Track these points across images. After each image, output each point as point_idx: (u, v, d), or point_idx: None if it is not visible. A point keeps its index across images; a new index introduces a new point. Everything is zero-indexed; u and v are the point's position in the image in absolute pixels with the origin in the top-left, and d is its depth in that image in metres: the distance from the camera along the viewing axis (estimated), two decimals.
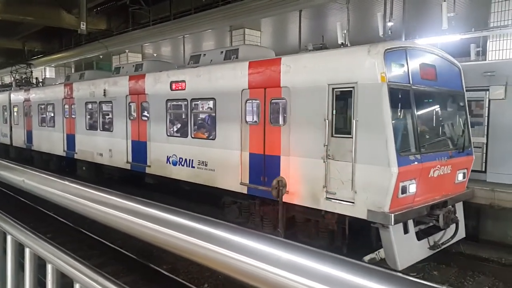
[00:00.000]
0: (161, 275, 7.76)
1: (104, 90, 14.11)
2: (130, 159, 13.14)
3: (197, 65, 10.98)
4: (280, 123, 8.68)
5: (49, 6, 25.14)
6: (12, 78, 26.90)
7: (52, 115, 17.74)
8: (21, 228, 3.30)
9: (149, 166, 12.34)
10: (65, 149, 16.74)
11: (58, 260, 2.83)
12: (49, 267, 2.90)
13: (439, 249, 7.92)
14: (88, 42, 30.68)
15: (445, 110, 8.58)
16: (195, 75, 10.61)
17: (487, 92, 9.84)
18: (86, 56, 31.80)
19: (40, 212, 12.12)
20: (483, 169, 10.12)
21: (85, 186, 3.47)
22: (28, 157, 20.37)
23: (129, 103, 13.09)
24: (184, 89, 10.93)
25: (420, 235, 7.70)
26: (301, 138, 8.10)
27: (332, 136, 7.61)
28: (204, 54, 11.42)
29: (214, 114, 10.12)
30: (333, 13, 17.62)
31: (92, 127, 15.10)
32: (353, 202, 7.30)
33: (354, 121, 7.18)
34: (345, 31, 13.10)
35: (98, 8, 27.21)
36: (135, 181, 13.81)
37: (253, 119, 9.29)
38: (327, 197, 7.70)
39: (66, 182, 3.69)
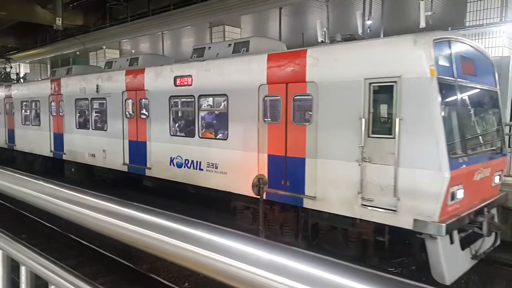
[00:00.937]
0: (141, 275, 7.51)
1: (97, 86, 13.01)
2: (127, 161, 12.13)
3: (203, 58, 10.05)
4: (305, 122, 7.87)
5: (24, 1, 23.84)
6: None
7: (37, 113, 16.49)
8: None
9: (150, 168, 11.37)
10: (52, 149, 15.55)
11: (31, 262, 2.83)
12: (22, 269, 2.91)
13: (481, 258, 7.28)
14: (64, 38, 29.68)
15: (482, 108, 7.93)
16: (204, 69, 9.69)
17: None
18: (62, 52, 30.81)
19: (14, 212, 11.35)
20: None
21: (59, 186, 3.43)
22: (10, 158, 19.01)
23: (125, 99, 12.06)
24: (191, 85, 9.99)
25: (462, 245, 7.04)
26: (331, 138, 7.31)
27: (368, 136, 6.84)
28: (209, 47, 10.50)
29: (226, 112, 9.23)
30: (313, 11, 17.80)
31: (83, 125, 13.98)
32: (395, 210, 6.56)
33: (397, 119, 6.43)
34: (325, 29, 12.68)
35: (75, 3, 26.16)
36: (132, 184, 12.79)
37: (272, 118, 8.45)
38: (362, 204, 6.95)
39: (41, 182, 3.67)
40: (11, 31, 32.17)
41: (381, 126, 6.81)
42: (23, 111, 17.57)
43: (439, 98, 6.10)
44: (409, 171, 6.36)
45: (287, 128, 8.03)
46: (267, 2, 16.95)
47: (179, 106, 10.89)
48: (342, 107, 7.13)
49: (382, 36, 13.89)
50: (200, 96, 9.83)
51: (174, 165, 10.61)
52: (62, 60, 33.42)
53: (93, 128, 13.48)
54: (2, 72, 23.73)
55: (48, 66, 37.10)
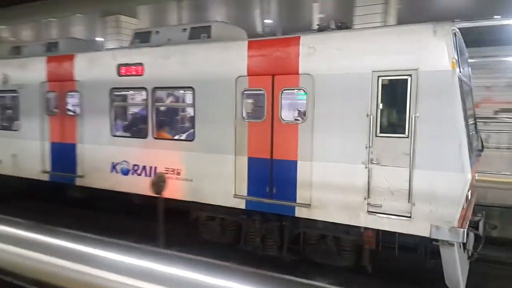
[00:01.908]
0: None
1: (4, 76, 10.46)
2: (49, 168, 9.91)
3: (159, 44, 8.51)
4: (298, 119, 6.94)
5: None
6: None
7: None
8: None
9: (82, 177, 9.38)
10: None
11: None
12: None
13: (475, 257, 7.11)
14: None
15: (470, 105, 7.82)
16: (161, 56, 8.17)
17: None
18: None
19: None
20: None
21: None
22: None
23: (46, 92, 9.83)
24: (142, 75, 8.37)
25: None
26: (332, 138, 6.49)
27: (376, 136, 6.17)
28: (157, 32, 8.94)
29: (192, 108, 7.87)
30: (214, 6, 17.87)
31: None
32: (409, 217, 5.98)
33: (413, 117, 5.85)
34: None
35: None
36: (53, 195, 10.56)
37: (253, 115, 7.37)
38: (369, 211, 6.26)
39: None
40: None
41: (392, 124, 6.17)
42: None
43: (460, 94, 5.66)
44: (426, 173, 5.82)
45: (274, 127, 7.01)
46: None
47: (125, 101, 9.15)
48: (345, 103, 6.35)
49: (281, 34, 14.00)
50: (155, 88, 8.28)
51: (118, 172, 8.84)
52: None
53: None
54: None
55: None
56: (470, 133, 6.49)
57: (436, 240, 5.95)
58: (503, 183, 10.44)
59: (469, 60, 7.64)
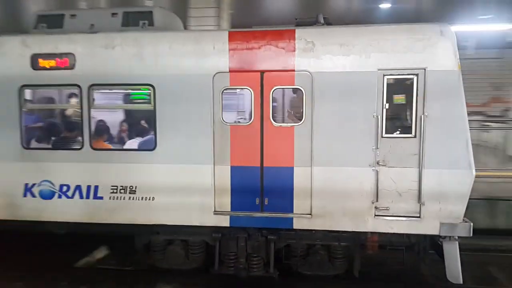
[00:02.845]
0: None
1: None
2: None
3: (94, 30, 6.69)
4: (294, 121, 6.24)
5: None
6: None
7: None
8: None
9: None
10: None
11: None
12: None
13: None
14: None
15: None
16: (101, 45, 6.41)
17: None
18: None
19: None
20: None
21: None
22: None
23: None
24: (72, 68, 6.46)
25: None
26: (334, 141, 6.00)
27: (382, 136, 5.95)
28: (72, 15, 7.09)
29: (152, 110, 6.38)
30: None
31: None
32: (418, 217, 5.94)
33: (422, 117, 5.80)
34: None
35: None
36: None
37: (237, 117, 6.38)
38: (376, 215, 6.01)
39: None
40: None
41: (399, 125, 6.02)
42: None
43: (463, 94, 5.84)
44: (435, 173, 5.85)
45: (263, 130, 6.16)
46: None
47: (44, 102, 6.95)
48: (349, 103, 5.94)
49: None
50: (93, 86, 6.47)
51: (34, 196, 6.67)
52: None
53: None
54: None
55: None
56: None
57: (442, 237, 6.04)
58: None
59: None
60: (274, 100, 6.19)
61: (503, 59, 22.08)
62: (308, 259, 6.67)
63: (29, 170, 6.65)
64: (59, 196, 6.59)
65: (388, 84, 5.90)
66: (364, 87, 5.89)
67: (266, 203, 6.23)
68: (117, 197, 6.49)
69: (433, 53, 5.77)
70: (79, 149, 6.54)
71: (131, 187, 6.46)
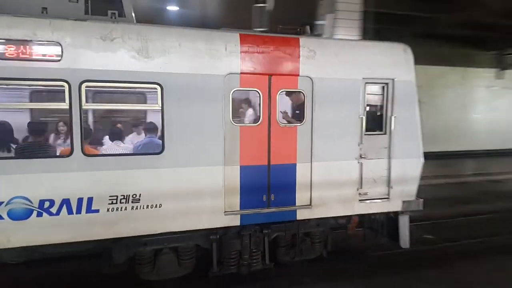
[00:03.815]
0: None
1: None
2: None
3: (86, 18, 5.68)
4: (297, 121, 6.75)
5: None
6: None
7: None
8: None
9: None
10: None
11: None
12: None
13: None
14: None
15: None
16: (97, 36, 5.56)
17: None
18: None
19: None
20: None
21: None
22: None
23: None
24: (58, 61, 5.42)
25: None
26: (331, 138, 6.85)
27: (364, 134, 7.12)
28: None
29: (158, 112, 5.90)
30: None
31: None
32: (388, 198, 7.36)
33: (392, 117, 7.19)
34: None
35: None
36: None
37: (247, 118, 6.50)
38: (360, 200, 7.18)
39: None
40: None
41: (375, 124, 7.26)
42: None
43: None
44: (399, 162, 7.35)
45: (271, 130, 6.53)
46: None
47: (23, 99, 5.50)
48: (343, 106, 6.88)
49: None
50: (85, 83, 5.57)
51: (2, 219, 5.36)
52: None
53: None
54: None
55: None
56: None
57: (397, 212, 7.61)
58: None
59: None
60: (280, 101, 6.60)
61: None
62: (296, 248, 7.34)
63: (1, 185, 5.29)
64: (45, 214, 5.46)
65: (368, 90, 7.09)
66: (354, 92, 6.92)
67: (272, 199, 6.64)
68: (118, 208, 5.80)
69: (399, 66, 7.22)
70: (68, 155, 5.54)
71: (134, 196, 5.88)
